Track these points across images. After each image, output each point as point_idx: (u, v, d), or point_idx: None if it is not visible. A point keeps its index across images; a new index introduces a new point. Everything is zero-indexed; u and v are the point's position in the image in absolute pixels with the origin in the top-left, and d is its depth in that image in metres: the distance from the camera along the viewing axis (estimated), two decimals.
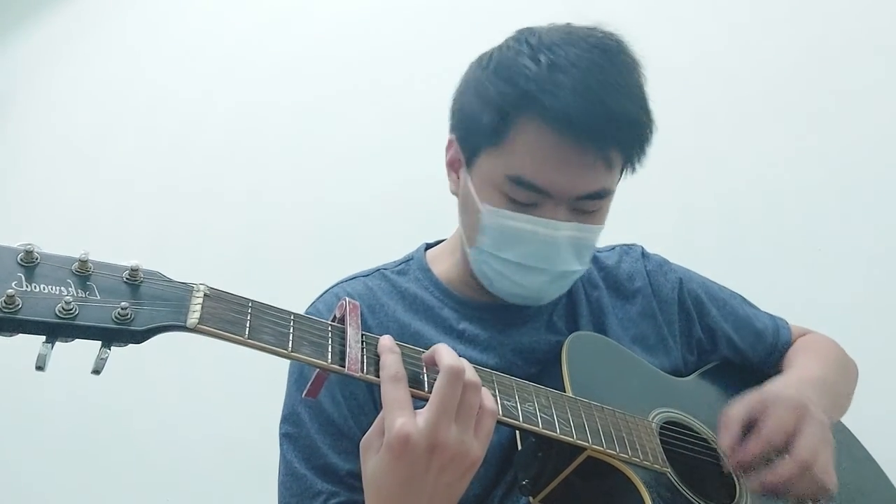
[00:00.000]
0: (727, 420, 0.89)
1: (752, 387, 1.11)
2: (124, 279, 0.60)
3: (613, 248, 1.13)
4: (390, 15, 2.21)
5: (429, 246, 1.07)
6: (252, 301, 0.66)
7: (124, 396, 2.07)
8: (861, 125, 1.68)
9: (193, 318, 0.61)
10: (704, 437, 0.95)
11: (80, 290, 0.57)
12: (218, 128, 2.33)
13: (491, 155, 0.88)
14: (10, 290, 0.54)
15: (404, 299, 0.98)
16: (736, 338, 1.12)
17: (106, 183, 2.41)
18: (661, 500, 0.81)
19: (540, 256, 0.89)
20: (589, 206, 0.89)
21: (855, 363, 1.18)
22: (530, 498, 0.84)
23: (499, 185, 0.87)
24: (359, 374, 0.68)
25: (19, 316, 0.54)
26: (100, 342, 0.58)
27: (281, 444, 0.92)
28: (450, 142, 0.96)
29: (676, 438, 0.91)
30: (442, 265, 1.02)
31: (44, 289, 0.56)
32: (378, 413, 0.71)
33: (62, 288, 0.57)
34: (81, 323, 0.56)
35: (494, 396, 0.74)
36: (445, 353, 0.70)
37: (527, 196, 0.86)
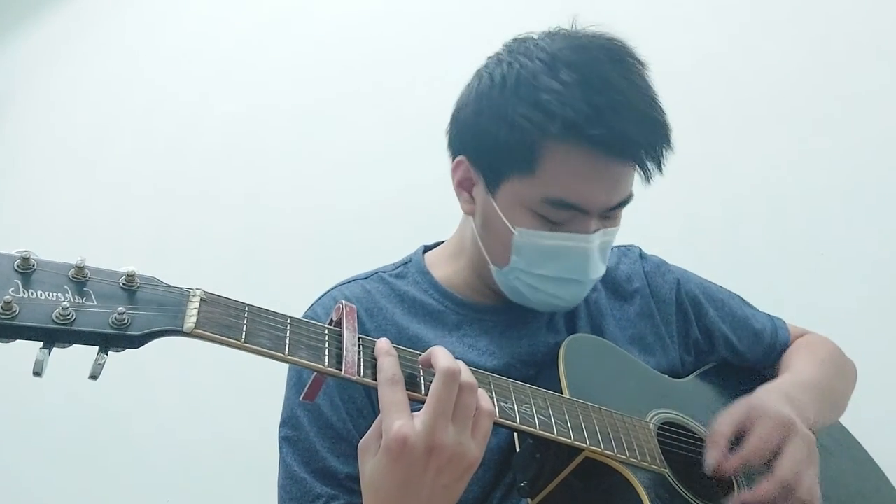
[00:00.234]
0: (714, 436, 0.87)
1: (749, 387, 1.12)
2: (121, 285, 0.61)
3: (612, 249, 1.13)
4: (389, 18, 2.21)
5: (427, 248, 1.07)
6: (248, 305, 0.66)
7: (123, 400, 2.08)
8: (864, 129, 1.68)
9: (190, 322, 0.61)
10: (702, 437, 0.95)
11: (77, 296, 0.58)
12: (216, 130, 2.33)
13: (522, 181, 0.87)
14: (7, 297, 0.55)
15: (403, 302, 0.98)
16: (734, 338, 1.12)
17: (104, 185, 2.41)
18: (660, 501, 0.81)
19: (575, 269, 0.90)
20: (616, 212, 0.92)
21: (853, 364, 1.18)
22: (528, 500, 0.84)
23: (534, 207, 0.88)
24: (356, 378, 0.69)
25: (16, 322, 0.55)
26: (97, 347, 0.58)
27: (280, 448, 0.92)
28: (458, 162, 0.95)
29: (674, 439, 0.91)
30: (443, 269, 1.02)
31: (41, 295, 0.57)
32: (375, 416, 0.71)
33: (59, 294, 0.57)
34: (78, 328, 0.57)
35: (491, 398, 0.74)
36: (441, 355, 0.70)
37: (564, 215, 0.88)
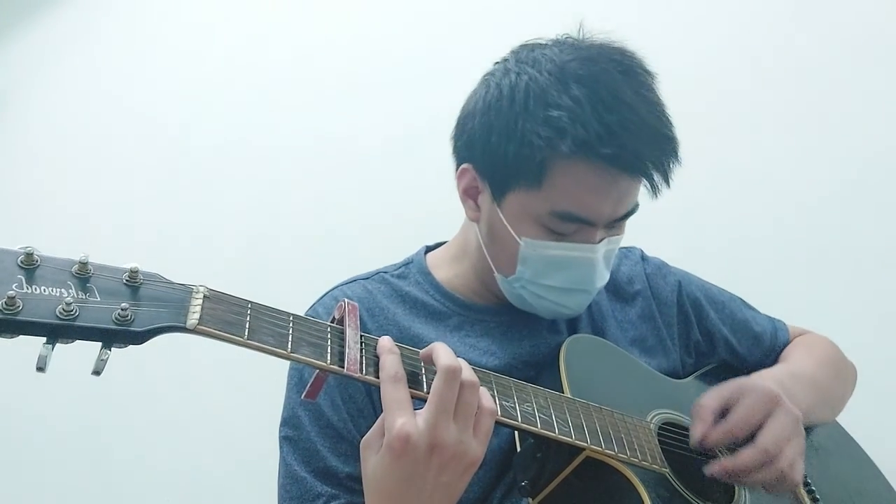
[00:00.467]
0: (699, 409, 0.88)
1: None
2: (124, 281, 0.61)
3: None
4: (392, 17, 2.21)
5: (428, 249, 1.08)
6: (251, 302, 0.66)
7: (124, 397, 2.07)
8: (864, 129, 1.69)
9: (193, 319, 0.61)
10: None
11: (80, 292, 0.58)
12: (218, 128, 2.33)
13: (529, 193, 0.87)
14: (10, 292, 0.55)
15: (405, 302, 0.98)
16: (734, 341, 1.12)
17: (106, 182, 2.41)
18: (660, 500, 0.81)
19: (581, 279, 0.91)
20: (622, 222, 0.92)
21: (854, 365, 1.18)
22: (529, 499, 0.84)
23: (540, 219, 0.88)
24: (358, 375, 0.69)
25: (20, 317, 0.55)
26: (100, 343, 0.58)
27: (281, 447, 0.92)
28: (464, 170, 0.95)
29: (674, 439, 0.91)
30: (445, 271, 1.02)
31: (44, 290, 0.57)
32: (376, 417, 0.71)
33: (62, 290, 0.57)
34: (82, 324, 0.57)
35: (493, 396, 0.74)
36: (442, 353, 0.71)
37: (571, 227, 0.88)
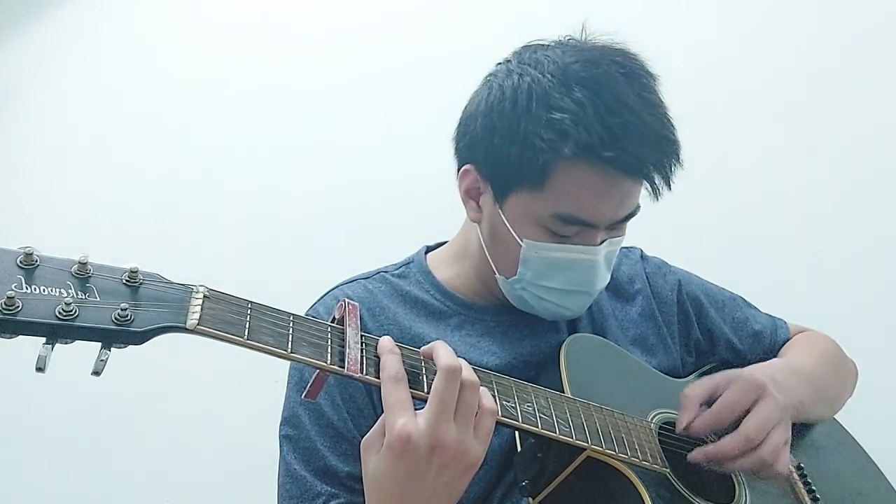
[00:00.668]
0: (685, 399, 0.89)
1: None
2: (124, 281, 0.60)
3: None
4: (392, 14, 2.21)
5: (429, 248, 1.08)
6: (251, 302, 0.66)
7: (125, 397, 2.07)
8: (862, 126, 1.69)
9: (193, 319, 0.61)
10: (702, 437, 0.95)
11: (79, 292, 0.58)
12: (219, 127, 2.33)
13: (531, 195, 0.87)
14: (10, 292, 0.54)
15: (405, 302, 0.98)
16: (734, 339, 1.12)
17: (106, 182, 2.41)
18: (661, 500, 0.81)
19: (582, 280, 0.91)
20: (623, 224, 0.92)
21: (854, 363, 1.18)
22: (530, 499, 0.84)
23: (542, 221, 0.88)
24: (358, 375, 0.69)
25: (19, 317, 0.54)
26: (100, 343, 0.58)
27: (281, 446, 0.92)
28: (465, 171, 0.94)
29: (675, 439, 0.91)
30: (445, 271, 1.02)
31: (44, 290, 0.56)
32: (376, 416, 0.71)
33: (62, 290, 0.57)
34: (81, 324, 0.56)
35: (493, 396, 0.74)
36: (443, 352, 0.70)
37: (572, 230, 0.88)
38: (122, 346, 0.59)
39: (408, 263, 1.04)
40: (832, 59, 1.73)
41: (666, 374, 1.03)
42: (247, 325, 0.64)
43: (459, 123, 0.96)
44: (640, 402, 0.93)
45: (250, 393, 1.83)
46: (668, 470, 0.85)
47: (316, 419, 0.90)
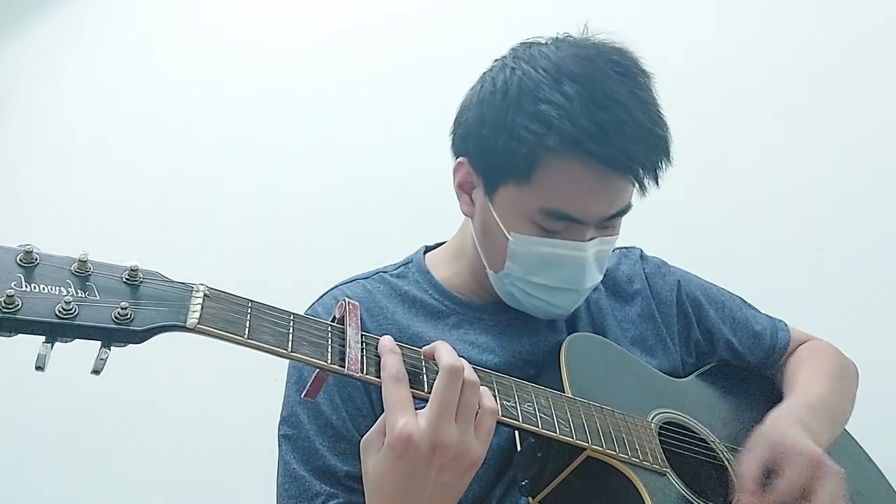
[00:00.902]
0: (743, 481, 0.86)
1: (750, 387, 1.11)
2: (124, 279, 0.60)
3: (612, 252, 1.13)
4: (394, 18, 2.21)
5: (428, 249, 1.07)
6: (252, 301, 0.66)
7: (124, 396, 2.07)
8: (862, 126, 1.69)
9: (193, 318, 0.61)
10: (703, 437, 0.95)
11: (79, 291, 0.57)
12: (219, 127, 2.33)
13: (519, 188, 0.87)
14: (9, 291, 0.54)
15: (404, 302, 0.98)
16: (734, 340, 1.12)
17: (107, 180, 2.41)
18: (661, 501, 0.81)
19: (570, 278, 0.90)
20: (614, 222, 0.92)
21: (854, 365, 1.18)
22: (529, 498, 0.84)
23: (530, 215, 0.87)
24: (358, 375, 0.68)
25: (19, 316, 0.54)
26: (99, 342, 0.58)
27: (280, 446, 0.92)
28: (459, 164, 0.95)
29: (675, 439, 0.91)
30: (443, 270, 1.02)
31: (43, 289, 0.56)
32: (375, 415, 0.71)
33: (62, 288, 0.57)
34: (81, 323, 0.56)
35: (494, 396, 0.74)
36: (445, 352, 0.70)
37: (560, 225, 0.87)
38: (122, 344, 0.59)
39: (406, 263, 1.04)
40: (832, 59, 1.73)
41: (666, 374, 1.02)
42: (247, 324, 0.64)
43: (455, 117, 0.96)
44: (640, 401, 0.92)
45: (250, 392, 1.83)
46: (668, 470, 0.85)
47: (315, 419, 0.90)
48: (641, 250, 1.16)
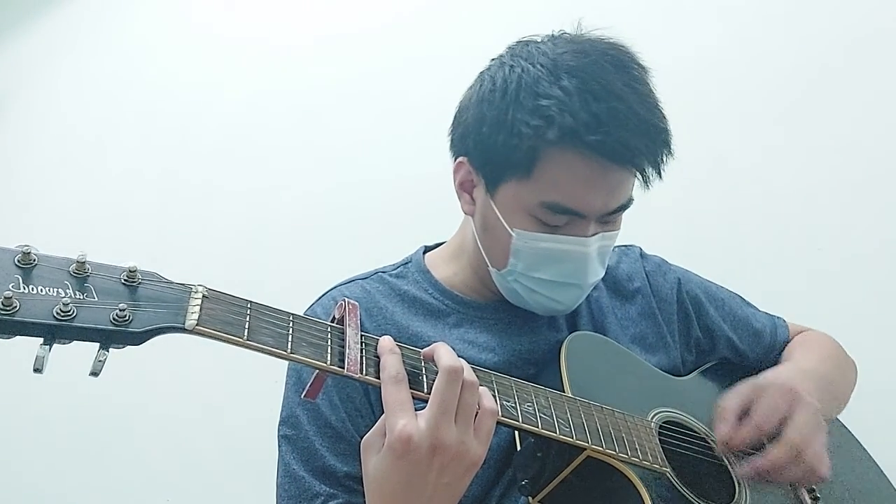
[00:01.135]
0: (722, 411, 0.90)
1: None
2: (122, 280, 0.60)
3: (612, 248, 1.13)
4: (393, 18, 2.20)
5: (427, 249, 1.07)
6: (251, 302, 0.66)
7: (124, 397, 2.07)
8: (862, 126, 1.68)
9: (192, 319, 0.61)
10: (703, 436, 0.95)
11: (77, 292, 0.57)
12: (218, 128, 2.33)
13: (520, 184, 0.87)
14: (7, 292, 0.54)
15: (403, 301, 0.98)
16: (734, 337, 1.12)
17: (105, 181, 2.41)
18: (661, 500, 0.81)
19: (573, 273, 0.91)
20: (616, 216, 0.92)
21: (854, 362, 1.18)
22: (529, 498, 0.84)
23: (531, 210, 0.88)
24: (358, 376, 0.68)
25: (17, 318, 0.54)
26: (98, 344, 0.58)
27: (279, 446, 0.92)
28: (459, 164, 0.95)
29: (675, 438, 0.91)
30: (443, 269, 1.02)
31: (41, 290, 0.56)
32: (374, 416, 0.71)
33: (60, 289, 0.57)
34: (79, 325, 0.56)
35: (494, 396, 0.74)
36: (444, 353, 0.70)
37: (562, 219, 0.88)
38: (121, 346, 0.59)
39: (406, 263, 1.04)
40: (833, 60, 1.73)
41: (666, 372, 1.02)
42: (246, 326, 0.64)
43: (454, 117, 0.96)
44: (640, 401, 0.92)
45: (250, 393, 1.82)
46: (668, 469, 0.85)
47: (314, 419, 0.90)
48: (641, 249, 1.16)
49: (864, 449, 1.13)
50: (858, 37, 1.72)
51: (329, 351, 0.68)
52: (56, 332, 0.56)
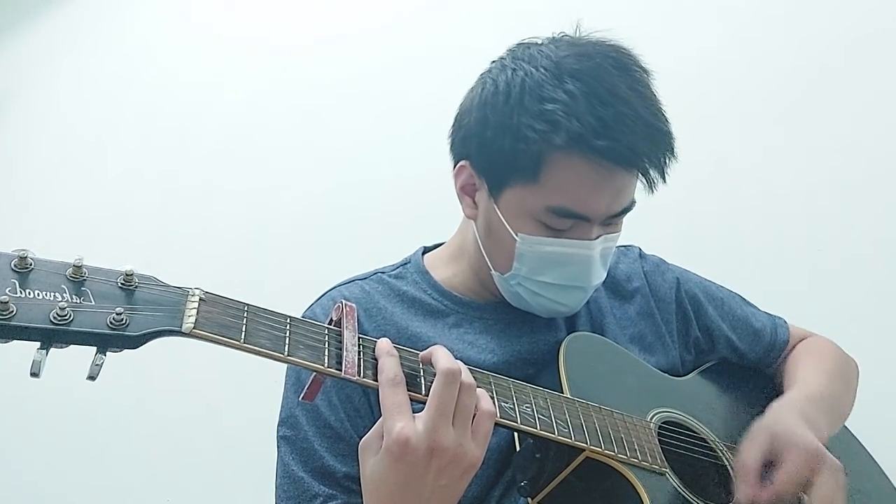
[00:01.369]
0: (743, 469, 0.86)
1: (750, 385, 1.11)
2: (119, 284, 0.60)
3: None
4: (393, 19, 2.20)
5: (426, 249, 1.07)
6: (248, 305, 0.66)
7: (124, 398, 2.07)
8: (862, 126, 1.68)
9: (189, 322, 0.61)
10: (703, 437, 0.95)
11: (74, 296, 0.57)
12: (218, 129, 2.33)
13: (525, 188, 0.87)
14: (3, 297, 0.54)
15: (402, 302, 0.98)
16: (734, 337, 1.12)
17: (105, 183, 2.41)
18: (660, 501, 0.81)
19: (577, 275, 0.91)
20: (618, 219, 0.92)
21: (855, 362, 1.18)
22: (528, 499, 0.84)
23: (537, 215, 0.88)
24: (356, 378, 0.68)
25: (13, 322, 0.54)
26: (95, 348, 0.58)
27: (278, 447, 0.92)
28: (461, 167, 0.94)
29: (675, 438, 0.91)
30: (442, 270, 1.02)
31: (38, 295, 0.56)
32: (373, 416, 0.71)
33: (56, 294, 0.57)
34: (76, 329, 0.56)
35: (492, 398, 0.74)
36: (442, 356, 0.70)
37: (567, 223, 0.88)
38: (118, 350, 0.59)
39: (405, 264, 1.04)
40: (833, 60, 1.73)
41: (665, 372, 1.02)
42: (243, 329, 0.64)
43: (454, 120, 0.96)
44: (639, 401, 0.92)
45: (249, 393, 1.82)
46: (667, 470, 0.85)
47: (313, 420, 0.90)
48: (640, 249, 1.16)
49: (864, 448, 1.13)
50: (858, 37, 1.71)
51: (326, 353, 0.68)
52: (53, 336, 0.56)
